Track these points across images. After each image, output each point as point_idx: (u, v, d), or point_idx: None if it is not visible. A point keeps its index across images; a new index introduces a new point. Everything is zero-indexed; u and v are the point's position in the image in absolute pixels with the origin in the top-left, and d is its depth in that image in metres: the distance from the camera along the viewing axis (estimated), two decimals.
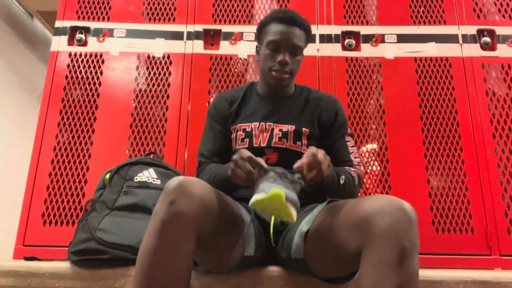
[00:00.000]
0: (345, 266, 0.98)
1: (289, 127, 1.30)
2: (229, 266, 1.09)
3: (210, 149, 1.34)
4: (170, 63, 1.87)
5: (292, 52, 1.28)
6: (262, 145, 1.29)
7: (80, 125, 1.78)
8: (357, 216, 0.89)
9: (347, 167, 1.26)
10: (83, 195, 1.69)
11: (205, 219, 0.91)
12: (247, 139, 1.31)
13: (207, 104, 1.82)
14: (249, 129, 1.32)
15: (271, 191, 0.88)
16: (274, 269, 1.17)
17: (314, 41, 1.88)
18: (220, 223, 0.97)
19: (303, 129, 1.30)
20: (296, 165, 0.98)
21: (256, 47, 1.39)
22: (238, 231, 1.06)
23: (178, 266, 0.86)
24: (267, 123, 1.31)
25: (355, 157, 1.31)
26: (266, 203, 0.89)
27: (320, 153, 1.00)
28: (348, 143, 1.33)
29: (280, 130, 1.30)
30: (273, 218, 1.15)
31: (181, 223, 0.86)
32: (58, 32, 1.91)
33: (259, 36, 1.36)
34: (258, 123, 1.32)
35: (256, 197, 0.90)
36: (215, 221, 0.95)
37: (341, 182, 1.17)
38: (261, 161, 0.99)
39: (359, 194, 1.43)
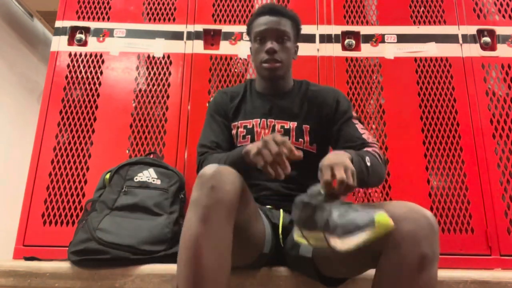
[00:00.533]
0: (358, 267, 0.98)
1: (291, 124, 1.29)
2: (247, 261, 1.10)
3: (213, 140, 1.29)
4: (170, 63, 1.87)
5: (279, 39, 1.27)
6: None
7: (80, 125, 1.78)
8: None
9: (364, 149, 1.16)
10: (83, 195, 1.69)
11: (240, 205, 0.92)
12: (249, 136, 1.30)
13: (207, 104, 1.81)
14: (250, 126, 1.30)
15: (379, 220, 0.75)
16: (274, 269, 1.17)
17: (314, 41, 1.88)
18: (250, 212, 1.00)
19: (304, 125, 1.28)
20: (323, 184, 0.89)
21: (250, 48, 1.38)
22: (262, 224, 1.08)
23: (225, 250, 0.86)
24: (268, 120, 1.30)
25: (368, 137, 1.24)
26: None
27: (337, 167, 0.91)
28: (356, 125, 1.26)
29: (282, 127, 1.29)
30: (281, 217, 1.15)
31: (224, 208, 0.87)
32: (58, 32, 1.91)
33: (249, 36, 1.37)
34: (259, 119, 1.31)
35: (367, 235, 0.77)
36: (247, 209, 0.97)
37: (368, 164, 1.05)
38: (298, 153, 0.97)
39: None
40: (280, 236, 1.14)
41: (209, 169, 0.91)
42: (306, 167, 1.13)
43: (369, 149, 1.16)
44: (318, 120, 1.29)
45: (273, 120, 1.30)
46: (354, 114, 1.29)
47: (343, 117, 1.27)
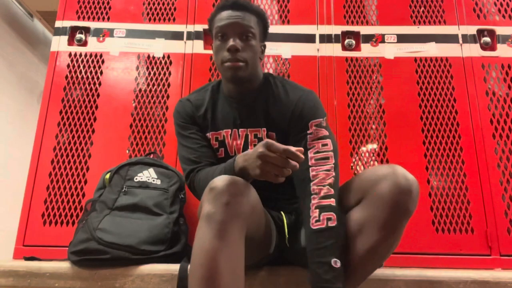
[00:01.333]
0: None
1: (262, 131, 1.19)
2: (251, 262, 1.09)
3: (196, 156, 1.18)
4: (170, 63, 1.87)
5: (242, 36, 1.14)
6: (237, 153, 1.19)
7: (80, 125, 1.78)
8: (361, 184, 0.98)
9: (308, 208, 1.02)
10: (83, 195, 1.69)
11: (252, 217, 0.92)
12: (222, 149, 1.21)
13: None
14: (221, 138, 1.21)
15: None
16: (274, 269, 1.17)
17: (314, 41, 1.88)
18: (259, 218, 1.00)
19: (270, 133, 1.18)
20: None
21: (211, 45, 1.23)
22: (269, 229, 1.08)
23: (240, 267, 0.85)
24: (239, 130, 1.20)
25: (318, 158, 1.05)
26: None
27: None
28: (309, 136, 1.09)
29: (255, 136, 1.19)
30: (284, 218, 1.16)
31: (240, 223, 0.86)
32: (58, 32, 1.91)
33: (210, 32, 1.23)
34: (230, 130, 1.21)
35: None
36: (257, 216, 0.97)
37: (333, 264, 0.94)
38: (298, 151, 0.90)
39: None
40: (287, 236, 1.14)
41: (222, 181, 0.88)
42: None
43: (312, 215, 1.00)
44: (283, 126, 1.17)
45: (245, 129, 1.20)
46: (313, 126, 1.11)
47: (299, 127, 1.13)
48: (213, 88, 1.28)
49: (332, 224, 0.96)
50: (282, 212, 1.19)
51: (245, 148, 1.19)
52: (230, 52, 1.13)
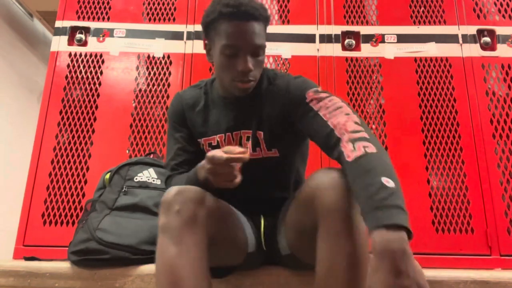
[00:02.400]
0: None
1: (256, 134, 1.12)
2: (236, 261, 1.10)
3: (177, 163, 1.15)
4: (170, 63, 1.87)
5: (253, 53, 1.03)
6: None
7: (80, 125, 1.78)
8: (304, 196, 0.94)
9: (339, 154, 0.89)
10: (83, 195, 1.69)
11: (212, 220, 0.92)
12: None
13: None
14: (215, 143, 1.15)
15: None
16: (274, 269, 1.17)
17: (314, 41, 1.88)
18: (224, 218, 1.00)
19: (257, 132, 1.12)
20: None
21: (205, 44, 1.12)
22: (239, 227, 1.07)
23: (203, 268, 0.86)
24: (233, 133, 1.13)
25: (336, 113, 0.95)
26: None
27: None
28: (318, 112, 0.99)
29: (248, 138, 1.12)
30: (263, 221, 1.15)
31: (194, 229, 0.88)
32: (58, 32, 1.91)
33: (206, 33, 1.10)
34: (223, 134, 1.14)
35: None
36: (220, 217, 0.97)
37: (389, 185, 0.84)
38: (241, 153, 0.90)
39: None
40: (263, 241, 1.13)
41: (171, 192, 0.91)
42: (272, 172, 1.13)
43: (343, 149, 0.87)
44: (273, 121, 1.10)
45: (239, 131, 1.13)
46: (310, 94, 1.03)
47: (299, 109, 1.04)
48: (206, 89, 1.20)
49: (371, 150, 0.84)
50: (262, 215, 1.18)
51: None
52: (243, 74, 1.03)
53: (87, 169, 1.72)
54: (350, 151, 0.86)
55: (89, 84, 1.84)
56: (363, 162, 0.83)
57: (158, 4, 1.95)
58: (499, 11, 1.89)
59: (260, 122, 1.12)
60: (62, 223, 1.66)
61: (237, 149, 0.92)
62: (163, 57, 1.88)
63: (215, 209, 0.96)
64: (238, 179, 0.94)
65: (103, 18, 1.93)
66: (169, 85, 1.84)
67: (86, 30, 1.91)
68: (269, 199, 1.16)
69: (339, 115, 0.94)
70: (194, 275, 0.84)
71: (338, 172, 0.88)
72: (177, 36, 1.90)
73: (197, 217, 0.89)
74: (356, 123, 0.91)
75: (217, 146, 1.13)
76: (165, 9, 1.95)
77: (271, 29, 1.91)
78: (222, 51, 1.03)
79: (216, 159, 0.90)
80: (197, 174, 1.02)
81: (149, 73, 1.87)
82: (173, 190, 0.91)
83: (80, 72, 1.85)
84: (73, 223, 1.65)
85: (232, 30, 1.01)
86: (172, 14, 1.94)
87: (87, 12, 1.94)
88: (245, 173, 0.98)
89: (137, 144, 1.76)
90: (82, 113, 1.80)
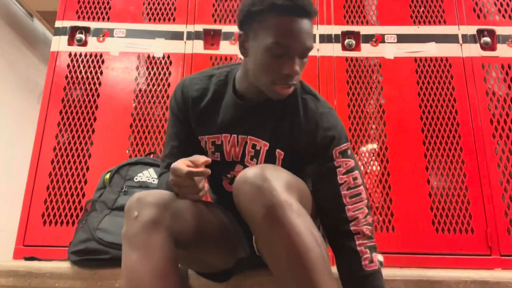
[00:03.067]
0: None
1: (262, 145, 1.04)
2: (227, 266, 1.08)
3: (170, 161, 1.03)
4: (170, 63, 1.87)
5: (302, 55, 0.92)
6: (235, 159, 1.07)
7: (80, 125, 1.78)
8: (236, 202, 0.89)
9: (348, 244, 0.93)
10: (83, 195, 1.69)
11: (174, 222, 0.88)
12: (218, 154, 1.08)
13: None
14: (219, 142, 1.07)
15: None
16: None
17: (314, 41, 1.87)
18: (196, 224, 0.94)
19: (278, 150, 1.03)
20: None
21: (240, 36, 0.98)
22: (223, 231, 1.03)
23: (165, 270, 0.83)
24: (239, 136, 1.05)
25: (352, 195, 0.96)
26: None
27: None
28: (339, 169, 0.96)
29: (253, 146, 1.05)
30: None
31: (155, 233, 0.84)
32: (58, 32, 1.91)
33: (245, 24, 0.96)
34: (229, 135, 1.06)
35: None
36: (189, 223, 0.92)
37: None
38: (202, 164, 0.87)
39: None
40: (255, 246, 1.12)
41: (131, 199, 0.89)
42: None
43: (362, 258, 0.92)
44: (297, 145, 1.02)
45: (246, 136, 1.05)
46: (337, 154, 0.98)
47: (320, 159, 0.99)
48: (219, 83, 1.08)
49: (381, 265, 0.92)
50: None
51: (243, 157, 1.06)
52: (287, 77, 0.92)
53: (87, 169, 1.72)
54: (368, 261, 0.91)
55: (89, 84, 1.84)
56: (376, 279, 0.90)
57: (158, 4, 1.95)
58: (499, 11, 1.89)
59: (279, 139, 1.03)
60: (62, 223, 1.66)
61: (201, 159, 0.88)
62: (163, 57, 1.88)
63: (186, 212, 0.92)
64: (202, 192, 0.91)
65: (103, 18, 1.93)
66: (169, 85, 1.84)
67: (86, 30, 1.91)
68: None
69: (357, 205, 0.95)
70: (155, 278, 0.81)
71: (243, 171, 0.85)
72: (177, 36, 1.90)
73: (158, 220, 0.85)
74: (369, 224, 0.94)
75: (221, 146, 1.07)
76: (165, 9, 1.95)
77: None
78: (268, 49, 0.90)
79: (178, 172, 0.87)
80: (167, 184, 0.97)
81: (149, 73, 1.87)
82: (134, 196, 0.89)
83: (80, 72, 1.85)
84: (73, 223, 1.65)
85: (284, 26, 0.89)
86: (172, 14, 1.94)
87: (87, 12, 1.94)
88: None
89: (137, 144, 1.76)
90: (82, 113, 1.80)
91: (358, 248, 0.92)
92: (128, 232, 0.85)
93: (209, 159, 0.89)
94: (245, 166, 1.06)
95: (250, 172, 0.83)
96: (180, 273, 0.88)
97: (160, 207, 0.87)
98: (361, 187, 0.97)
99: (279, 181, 0.81)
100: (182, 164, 0.88)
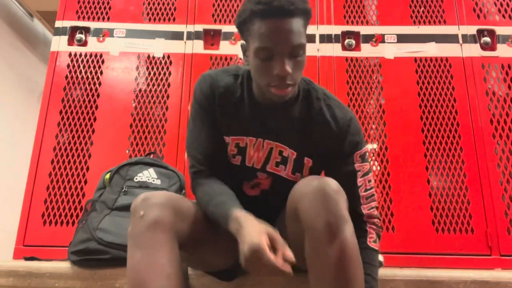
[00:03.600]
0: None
1: (290, 153, 1.06)
2: (227, 266, 1.09)
3: (206, 157, 1.05)
4: (170, 63, 1.87)
5: (291, 54, 0.92)
6: (255, 166, 1.07)
7: (80, 125, 1.78)
8: (290, 211, 0.93)
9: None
10: (83, 195, 1.69)
11: (178, 223, 0.91)
12: (239, 157, 1.07)
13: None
14: (243, 144, 1.06)
15: None
16: None
17: (314, 41, 1.88)
18: (198, 225, 0.97)
19: (306, 158, 1.06)
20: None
21: (242, 46, 1.02)
22: (226, 233, 1.01)
23: (170, 269, 0.85)
24: (265, 141, 1.05)
25: (368, 196, 1.04)
26: None
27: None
28: (358, 173, 1.04)
29: (280, 153, 1.06)
30: None
31: (158, 233, 0.86)
32: (58, 32, 1.91)
33: (241, 34, 1.00)
34: (254, 138, 1.05)
35: None
36: (191, 224, 0.95)
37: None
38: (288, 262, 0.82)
39: None
40: None
41: (137, 199, 0.91)
42: (282, 189, 1.04)
43: (369, 236, 1.02)
44: (323, 152, 1.06)
45: (272, 142, 1.05)
46: (362, 149, 1.05)
47: (344, 157, 1.04)
48: (243, 80, 1.07)
49: (381, 265, 1.02)
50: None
51: (266, 163, 1.06)
52: (279, 78, 0.92)
53: (87, 169, 1.72)
54: (372, 240, 1.01)
55: (89, 84, 1.84)
56: (375, 256, 1.00)
57: (158, 4, 1.95)
58: (499, 11, 1.89)
59: (306, 146, 1.05)
60: (62, 223, 1.66)
61: (287, 252, 0.82)
62: (163, 57, 1.88)
63: (190, 213, 0.95)
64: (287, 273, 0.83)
65: (103, 18, 1.93)
66: (169, 85, 1.84)
67: (86, 30, 1.91)
68: (273, 207, 1.13)
69: (371, 204, 1.05)
70: (159, 277, 0.82)
71: (319, 181, 0.88)
72: (177, 36, 1.90)
73: (162, 220, 0.87)
74: (377, 226, 1.05)
75: (244, 149, 1.06)
76: (165, 9, 1.95)
77: None
78: (256, 53, 0.93)
79: (265, 259, 0.79)
80: (228, 221, 0.91)
81: (149, 73, 1.87)
82: (140, 196, 0.91)
83: (80, 72, 1.85)
84: (73, 223, 1.65)
85: (264, 30, 0.90)
86: (172, 14, 1.94)
87: (87, 12, 1.94)
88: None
89: (137, 144, 1.76)
90: (82, 113, 1.80)
91: (369, 230, 1.02)
92: (133, 231, 0.88)
93: (293, 259, 0.82)
94: (268, 174, 1.07)
95: (321, 182, 0.87)
96: (182, 272, 0.90)
97: (166, 208, 0.89)
98: (373, 190, 1.06)
99: (343, 197, 0.87)
100: (266, 253, 0.79)
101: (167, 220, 0.88)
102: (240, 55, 1.87)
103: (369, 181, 1.05)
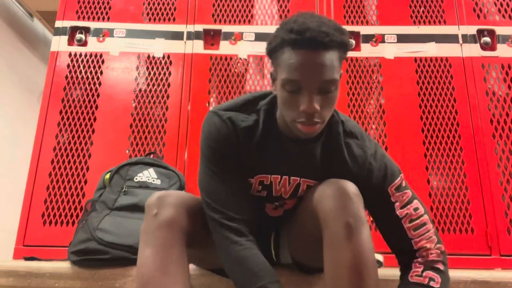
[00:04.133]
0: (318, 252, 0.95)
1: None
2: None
3: (231, 207, 0.95)
4: (170, 63, 1.87)
5: (321, 90, 0.85)
6: (283, 196, 1.04)
7: (80, 125, 1.78)
8: (310, 208, 0.93)
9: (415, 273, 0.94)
10: (83, 195, 1.69)
11: (189, 223, 0.93)
12: (265, 191, 1.03)
13: (207, 104, 1.81)
14: (268, 182, 1.01)
15: None
16: (274, 269, 1.17)
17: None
18: (206, 225, 0.98)
19: None
20: None
21: (271, 74, 0.95)
22: None
23: (177, 268, 0.88)
24: (291, 178, 1.00)
25: (416, 227, 0.96)
26: None
27: None
28: (396, 204, 0.97)
29: (309, 187, 1.02)
30: (273, 235, 1.16)
31: (168, 230, 0.89)
32: (58, 32, 1.91)
33: (272, 61, 0.93)
34: (279, 176, 1.00)
35: None
36: (201, 224, 0.97)
37: None
38: None
39: None
40: (273, 252, 1.14)
41: (152, 197, 0.94)
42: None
43: (412, 270, 0.94)
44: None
45: (298, 178, 1.00)
46: (393, 191, 0.98)
47: (378, 199, 0.98)
48: (266, 114, 0.99)
49: (434, 285, 0.91)
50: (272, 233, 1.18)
51: (294, 194, 1.03)
52: (306, 114, 0.85)
53: (87, 169, 1.72)
54: (415, 274, 0.93)
55: (89, 84, 1.84)
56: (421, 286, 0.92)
57: (158, 4, 1.95)
58: (499, 11, 1.89)
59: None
60: (62, 223, 1.66)
61: None
62: (163, 57, 1.88)
63: (200, 212, 0.97)
64: None
65: (103, 18, 1.93)
66: (169, 85, 1.84)
67: (86, 30, 1.91)
68: (282, 217, 1.13)
69: (423, 236, 0.96)
70: (161, 274, 0.85)
71: (339, 183, 0.90)
72: (177, 36, 1.90)
73: (174, 220, 0.90)
74: (440, 250, 0.96)
75: (270, 186, 1.01)
76: (165, 9, 1.95)
77: (272, 29, 1.91)
78: (283, 85, 0.86)
79: None
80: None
81: (149, 73, 1.87)
82: (155, 195, 0.94)
83: (80, 72, 1.85)
84: (73, 223, 1.65)
85: (294, 61, 0.83)
86: (172, 14, 1.94)
87: (87, 12, 1.94)
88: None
89: (137, 144, 1.76)
90: (82, 113, 1.80)
91: (414, 263, 0.95)
92: (145, 228, 0.91)
93: None
94: (298, 199, 1.04)
95: (341, 184, 0.89)
96: (187, 272, 0.90)
97: (179, 208, 0.92)
98: (425, 216, 0.97)
99: (361, 200, 0.88)
100: None
101: (179, 220, 0.91)
102: (240, 55, 1.87)
103: (416, 209, 0.97)
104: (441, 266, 0.94)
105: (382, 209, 0.98)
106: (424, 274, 0.93)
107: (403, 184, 0.99)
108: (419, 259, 0.95)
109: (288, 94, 0.86)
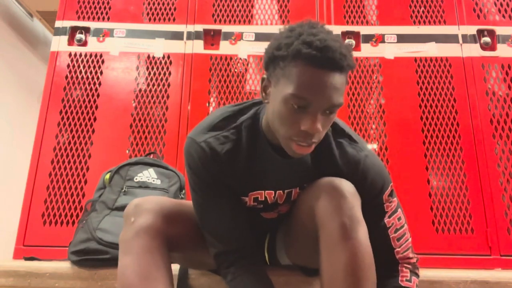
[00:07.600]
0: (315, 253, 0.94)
1: None
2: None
3: (226, 234, 0.97)
4: (170, 63, 1.87)
5: (326, 111, 0.81)
6: (279, 202, 1.01)
7: (80, 125, 1.78)
8: (306, 208, 0.93)
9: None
10: (83, 195, 1.69)
11: (170, 227, 0.92)
12: (261, 205, 1.02)
13: (207, 104, 1.81)
14: (262, 198, 0.99)
15: None
16: (274, 269, 1.17)
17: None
18: (193, 229, 0.99)
19: None
20: None
21: (263, 80, 0.88)
22: None
23: (157, 273, 0.87)
24: (285, 191, 0.98)
25: (399, 237, 0.97)
26: None
27: None
28: (386, 213, 0.97)
29: (302, 189, 1.01)
30: (267, 238, 1.16)
31: (145, 236, 0.88)
32: (58, 32, 1.91)
33: (269, 68, 0.85)
34: (273, 191, 0.98)
35: None
36: (186, 228, 0.97)
37: None
38: None
39: None
40: (266, 255, 1.14)
41: (129, 205, 0.93)
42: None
43: (400, 275, 0.96)
44: None
45: (291, 189, 0.99)
46: (386, 197, 0.97)
47: (369, 203, 0.94)
48: (249, 131, 0.94)
49: None
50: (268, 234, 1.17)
51: (287, 200, 1.01)
52: (305, 134, 0.81)
53: (87, 169, 1.72)
54: (405, 279, 0.95)
55: (89, 84, 1.84)
56: None
57: (158, 4, 1.95)
58: (499, 11, 1.89)
59: None
60: (62, 223, 1.66)
61: None
62: (163, 57, 1.88)
63: (182, 218, 0.97)
64: None
65: (103, 18, 1.93)
66: (169, 85, 1.84)
67: (86, 30, 1.91)
68: (277, 219, 1.12)
69: (404, 246, 0.97)
70: (141, 281, 0.85)
71: (336, 182, 0.88)
72: (177, 36, 1.90)
73: (152, 225, 0.89)
74: (414, 265, 0.99)
75: (265, 201, 0.99)
76: (165, 9, 1.95)
77: (272, 29, 1.92)
78: (286, 100, 0.79)
79: None
80: None
81: (149, 73, 1.87)
82: (133, 202, 0.94)
83: (80, 72, 1.85)
84: (73, 223, 1.65)
85: (307, 78, 0.78)
86: (172, 14, 1.94)
87: (87, 12, 1.94)
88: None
89: (137, 144, 1.76)
90: (82, 113, 1.80)
91: (401, 267, 0.97)
92: (123, 237, 0.91)
93: None
94: (292, 204, 1.02)
95: (338, 183, 0.87)
96: (169, 276, 0.90)
97: (156, 213, 0.91)
98: (405, 226, 0.99)
99: (358, 200, 0.87)
100: None
101: (157, 225, 0.90)
102: (240, 55, 1.87)
103: (399, 218, 0.98)
104: (418, 273, 1.00)
105: (372, 215, 0.92)
106: (413, 280, 0.96)
107: (393, 191, 1.00)
108: (405, 264, 0.98)
109: (290, 110, 0.80)
